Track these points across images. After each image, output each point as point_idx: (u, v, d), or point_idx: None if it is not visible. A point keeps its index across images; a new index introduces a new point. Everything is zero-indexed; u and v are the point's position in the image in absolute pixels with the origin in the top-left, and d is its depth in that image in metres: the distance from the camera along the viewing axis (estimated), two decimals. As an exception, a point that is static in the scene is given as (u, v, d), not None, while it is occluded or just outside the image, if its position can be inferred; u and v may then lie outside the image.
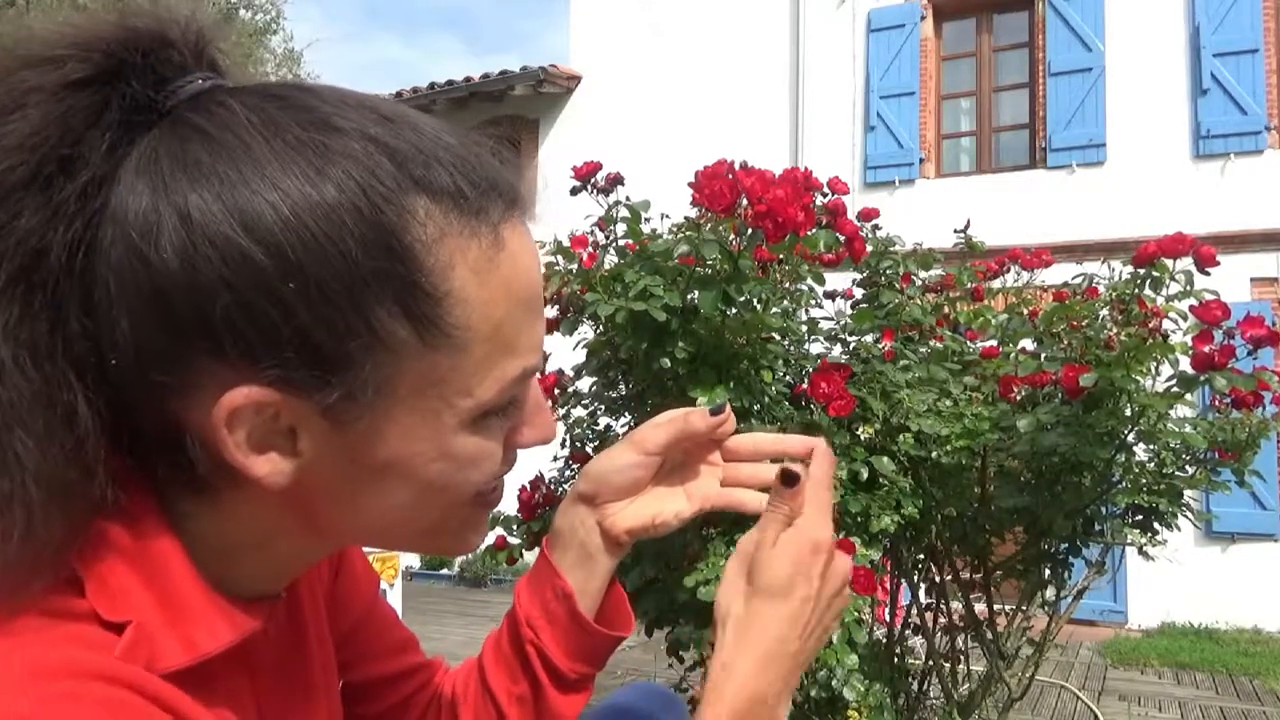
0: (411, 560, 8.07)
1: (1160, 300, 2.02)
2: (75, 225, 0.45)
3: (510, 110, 10.01)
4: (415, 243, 0.46)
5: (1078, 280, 2.41)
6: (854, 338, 2.27)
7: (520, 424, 0.56)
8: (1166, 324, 2.09)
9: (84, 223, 0.45)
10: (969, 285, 2.57)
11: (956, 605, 2.63)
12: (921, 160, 8.32)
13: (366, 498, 0.51)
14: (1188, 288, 1.94)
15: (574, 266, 1.88)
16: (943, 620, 2.67)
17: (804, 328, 2.07)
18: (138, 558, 0.48)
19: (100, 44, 0.47)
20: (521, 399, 0.55)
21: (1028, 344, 2.42)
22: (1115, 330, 2.01)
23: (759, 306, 1.83)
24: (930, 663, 2.61)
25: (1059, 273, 2.73)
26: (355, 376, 0.46)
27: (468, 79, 9.72)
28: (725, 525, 1.70)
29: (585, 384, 2.17)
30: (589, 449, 2.22)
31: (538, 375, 0.56)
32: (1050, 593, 2.58)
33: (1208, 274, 1.92)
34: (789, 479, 0.62)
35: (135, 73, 0.47)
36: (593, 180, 1.94)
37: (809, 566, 0.60)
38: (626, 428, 2.22)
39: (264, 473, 0.47)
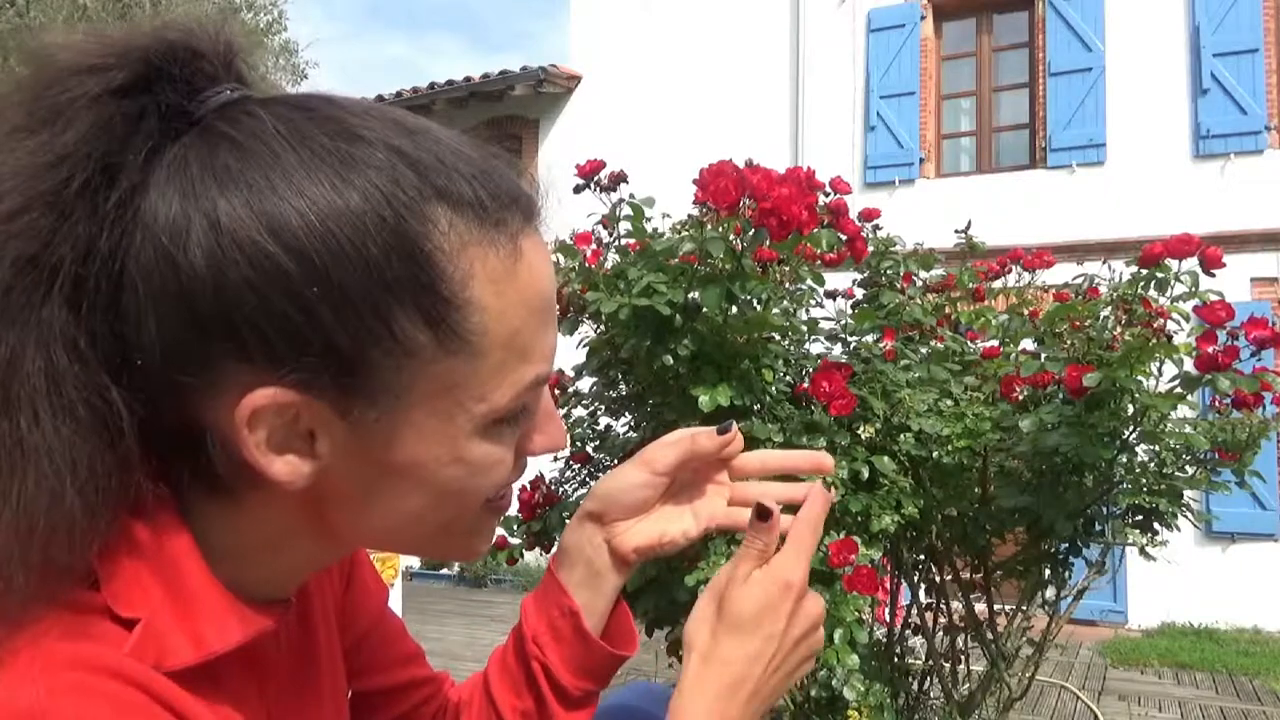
0: (411, 560, 8.07)
1: (1165, 301, 2.01)
2: (115, 231, 0.46)
3: (510, 110, 10.00)
4: (436, 251, 0.47)
5: (1079, 280, 2.41)
6: (854, 337, 2.27)
7: (531, 431, 0.57)
8: (1169, 324, 2.08)
9: (121, 228, 0.46)
10: (970, 285, 2.57)
11: (956, 605, 2.63)
12: (921, 160, 8.32)
13: (380, 500, 0.52)
14: (1193, 289, 1.94)
15: (576, 264, 1.87)
16: (943, 620, 2.67)
17: (804, 327, 2.07)
18: (153, 554, 0.49)
19: (139, 53, 0.48)
20: (533, 406, 0.55)
21: (1028, 344, 2.42)
22: (1120, 330, 2.01)
23: (759, 306, 1.83)
24: (930, 663, 2.60)
25: (1059, 273, 2.73)
26: (375, 380, 0.47)
27: (468, 79, 9.71)
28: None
29: (585, 384, 2.17)
30: (589, 449, 2.22)
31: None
32: (1050, 593, 2.58)
33: (1213, 275, 1.91)
34: (763, 514, 0.62)
35: (171, 82, 0.48)
36: (596, 178, 1.93)
37: (777, 605, 0.61)
38: (627, 428, 2.22)
39: (282, 473, 0.48)
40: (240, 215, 0.45)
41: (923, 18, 8.48)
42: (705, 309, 1.69)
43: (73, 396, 0.45)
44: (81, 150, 0.46)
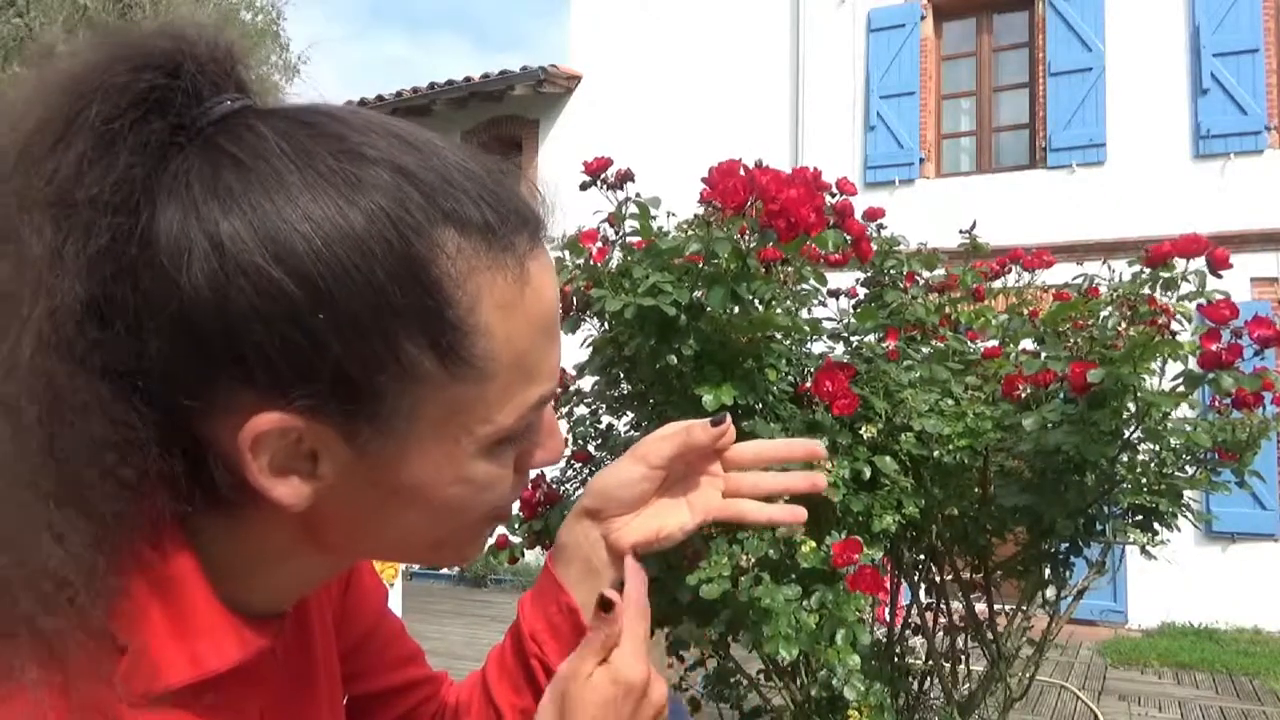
0: (411, 560, 8.08)
1: (1172, 301, 2.01)
2: (129, 250, 0.45)
3: (510, 110, 10.01)
4: (443, 276, 0.46)
5: (1079, 280, 2.41)
6: (856, 337, 2.27)
7: (533, 447, 0.56)
8: (1174, 324, 2.08)
9: (130, 247, 0.45)
10: (971, 285, 2.57)
11: (956, 605, 2.63)
12: (921, 160, 8.32)
13: (381, 519, 0.52)
14: (1200, 288, 1.94)
15: (580, 261, 1.87)
16: (943, 620, 2.67)
17: (807, 327, 2.07)
18: (157, 574, 0.49)
19: (147, 68, 0.47)
20: (536, 423, 0.55)
21: (1028, 344, 2.42)
22: (1125, 327, 2.01)
23: (760, 307, 1.83)
24: (930, 663, 2.60)
25: (1059, 273, 2.73)
26: (381, 405, 0.47)
27: (468, 79, 9.72)
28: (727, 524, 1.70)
29: (587, 382, 2.17)
30: (590, 447, 2.22)
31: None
32: (1050, 593, 2.58)
33: (1220, 277, 1.91)
34: (605, 605, 0.60)
35: (177, 95, 0.48)
36: (603, 176, 1.93)
37: (619, 707, 0.59)
38: (629, 426, 2.22)
39: (284, 496, 0.48)
40: (243, 238, 0.44)
41: (923, 18, 8.49)
42: (710, 309, 1.69)
43: (94, 427, 0.45)
44: (96, 170, 0.45)
